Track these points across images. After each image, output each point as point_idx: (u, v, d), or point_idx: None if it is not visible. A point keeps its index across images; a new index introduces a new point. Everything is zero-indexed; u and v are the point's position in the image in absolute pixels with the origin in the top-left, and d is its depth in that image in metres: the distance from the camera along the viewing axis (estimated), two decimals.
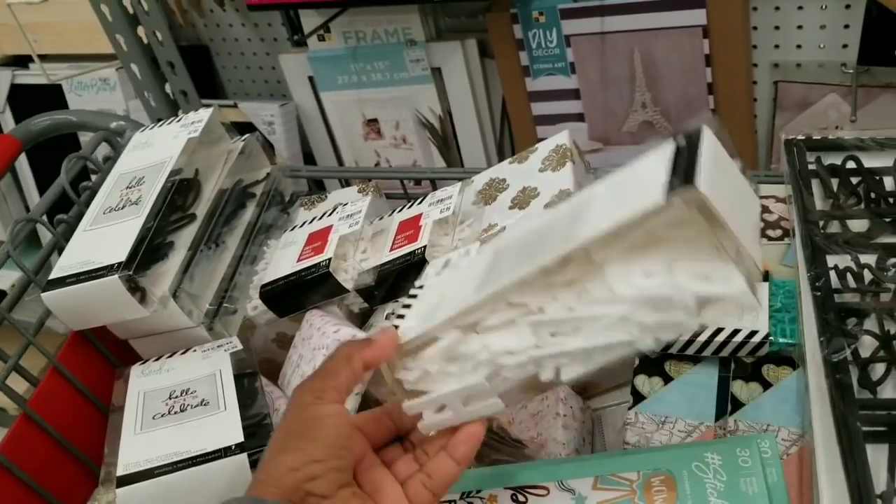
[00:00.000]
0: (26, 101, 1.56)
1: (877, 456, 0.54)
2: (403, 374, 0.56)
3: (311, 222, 0.91)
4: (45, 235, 1.47)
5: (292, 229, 0.91)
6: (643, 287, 0.44)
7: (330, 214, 0.90)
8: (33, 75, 1.53)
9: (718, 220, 0.41)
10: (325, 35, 1.25)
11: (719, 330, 0.70)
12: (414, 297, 0.60)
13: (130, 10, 1.18)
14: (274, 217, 0.91)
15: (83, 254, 0.76)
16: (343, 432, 0.52)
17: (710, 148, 0.45)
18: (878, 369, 0.59)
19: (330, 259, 0.81)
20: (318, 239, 0.86)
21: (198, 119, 0.83)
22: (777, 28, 1.04)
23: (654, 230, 0.44)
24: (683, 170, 0.43)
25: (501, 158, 1.25)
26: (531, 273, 0.49)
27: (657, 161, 0.46)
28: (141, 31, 1.20)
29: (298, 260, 0.84)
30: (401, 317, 0.58)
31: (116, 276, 0.71)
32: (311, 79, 1.32)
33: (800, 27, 1.03)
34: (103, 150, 0.98)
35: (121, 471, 0.63)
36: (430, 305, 0.57)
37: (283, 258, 0.86)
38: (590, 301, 0.47)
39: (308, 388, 0.54)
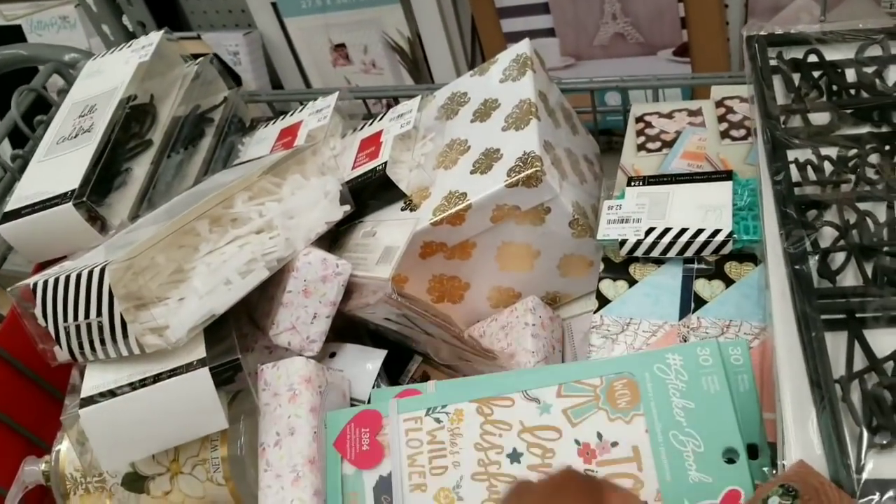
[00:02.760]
0: None
1: (835, 343, 0.54)
2: None
3: (281, 120, 0.90)
4: None
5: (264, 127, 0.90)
6: None
7: (300, 112, 0.89)
8: None
9: None
10: None
11: (683, 230, 0.69)
12: None
13: None
14: (234, 143, 0.89)
15: (38, 184, 0.74)
16: None
17: None
18: (838, 259, 0.59)
19: None
20: (288, 134, 0.85)
21: (148, 43, 0.81)
22: None
23: None
24: None
25: None
26: None
27: None
28: None
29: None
30: None
31: (70, 203, 0.70)
32: (274, 5, 1.29)
33: None
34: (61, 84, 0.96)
35: (84, 394, 0.63)
36: None
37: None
38: None
39: None
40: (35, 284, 0.65)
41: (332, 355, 0.75)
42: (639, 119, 0.86)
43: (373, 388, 0.71)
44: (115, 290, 0.61)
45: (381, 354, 0.73)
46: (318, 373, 0.68)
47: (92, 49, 1.41)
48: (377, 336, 0.79)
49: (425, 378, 0.78)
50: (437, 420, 0.64)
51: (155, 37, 0.81)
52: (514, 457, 0.61)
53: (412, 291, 0.79)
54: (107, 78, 0.80)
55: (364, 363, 0.73)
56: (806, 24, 1.06)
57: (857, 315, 0.56)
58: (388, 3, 1.21)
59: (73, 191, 0.71)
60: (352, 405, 0.72)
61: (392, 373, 0.77)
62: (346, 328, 0.78)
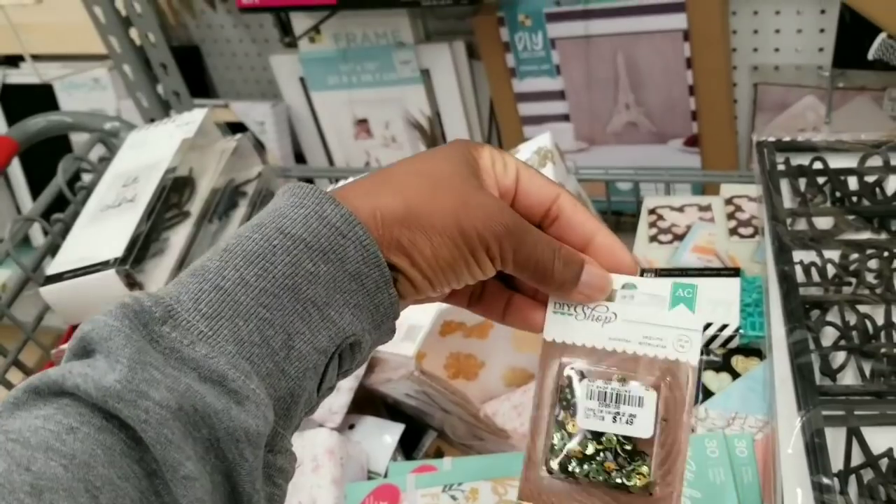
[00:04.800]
0: (17, 100, 1.58)
1: (835, 438, 0.57)
2: None
3: None
4: (34, 234, 1.50)
5: None
6: None
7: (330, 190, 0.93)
8: (24, 74, 1.55)
9: None
10: (316, 36, 1.27)
11: None
12: None
13: (123, 12, 1.20)
14: None
15: (81, 250, 0.78)
16: None
17: None
18: (839, 357, 0.62)
19: None
20: None
21: (192, 120, 0.86)
22: (756, 32, 1.07)
23: None
24: None
25: None
26: None
27: None
28: (133, 32, 1.23)
29: None
30: None
31: (113, 270, 0.73)
32: (301, 79, 1.34)
33: (777, 31, 1.06)
34: (96, 150, 1.01)
35: None
36: None
37: None
38: None
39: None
40: None
41: (352, 427, 0.78)
42: (651, 211, 0.90)
43: (390, 461, 0.74)
44: None
45: (398, 428, 0.76)
46: (341, 445, 0.71)
47: (121, 110, 1.47)
48: (394, 409, 0.82)
49: (439, 453, 0.81)
50: (453, 497, 0.66)
51: (199, 114, 0.86)
52: None
53: (429, 367, 0.82)
54: (150, 151, 0.85)
55: (382, 436, 0.76)
56: (812, 121, 1.12)
57: (856, 413, 0.59)
58: (412, 83, 1.27)
59: (116, 258, 0.74)
60: (369, 477, 0.74)
61: (406, 446, 0.80)
62: (364, 400, 0.81)
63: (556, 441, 0.44)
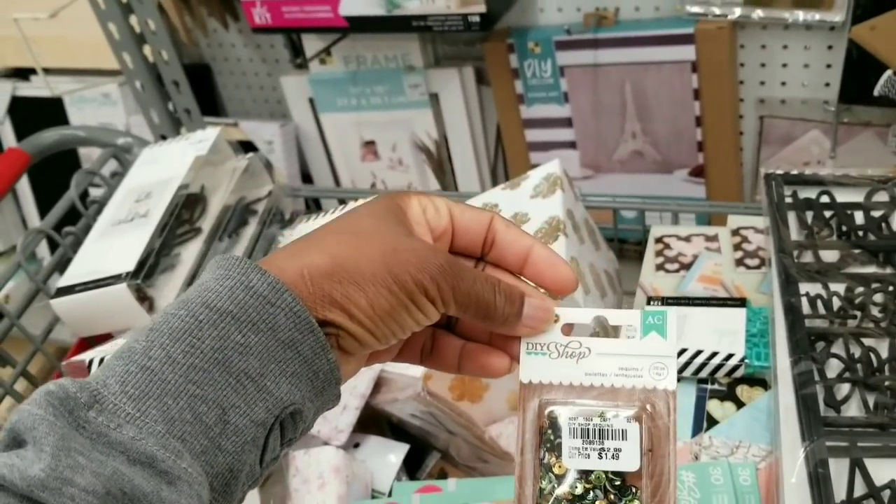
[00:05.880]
0: (26, 113, 1.59)
1: (838, 468, 0.58)
2: None
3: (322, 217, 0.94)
4: (38, 248, 1.50)
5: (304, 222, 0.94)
6: None
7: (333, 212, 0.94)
8: (34, 87, 1.56)
9: None
10: (326, 59, 1.29)
11: (698, 352, 0.73)
12: None
13: (137, 29, 1.21)
14: (274, 235, 0.94)
15: (92, 263, 0.79)
16: None
17: None
18: (843, 389, 0.63)
19: None
20: None
21: (205, 138, 0.87)
22: (763, 65, 1.09)
23: None
24: None
25: (495, 183, 1.28)
26: None
27: None
28: (147, 49, 1.24)
29: None
30: None
31: (125, 284, 0.74)
32: (311, 100, 1.35)
33: (785, 65, 1.07)
34: (108, 165, 1.01)
35: None
36: None
37: None
38: None
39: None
40: (91, 360, 0.69)
41: (356, 445, 0.78)
42: (658, 240, 0.91)
43: (394, 480, 0.75)
44: None
45: (403, 448, 0.76)
46: (347, 463, 0.71)
47: (130, 126, 1.48)
48: (398, 429, 0.83)
49: (442, 474, 0.81)
50: None
51: (212, 133, 0.87)
52: None
53: (435, 388, 0.82)
54: (164, 167, 0.86)
55: (387, 455, 0.76)
56: (817, 155, 1.13)
57: (859, 444, 0.60)
58: (420, 107, 1.28)
59: (128, 272, 0.75)
60: (373, 496, 0.75)
61: (409, 466, 0.80)
62: (369, 419, 0.82)
63: (544, 485, 0.43)
